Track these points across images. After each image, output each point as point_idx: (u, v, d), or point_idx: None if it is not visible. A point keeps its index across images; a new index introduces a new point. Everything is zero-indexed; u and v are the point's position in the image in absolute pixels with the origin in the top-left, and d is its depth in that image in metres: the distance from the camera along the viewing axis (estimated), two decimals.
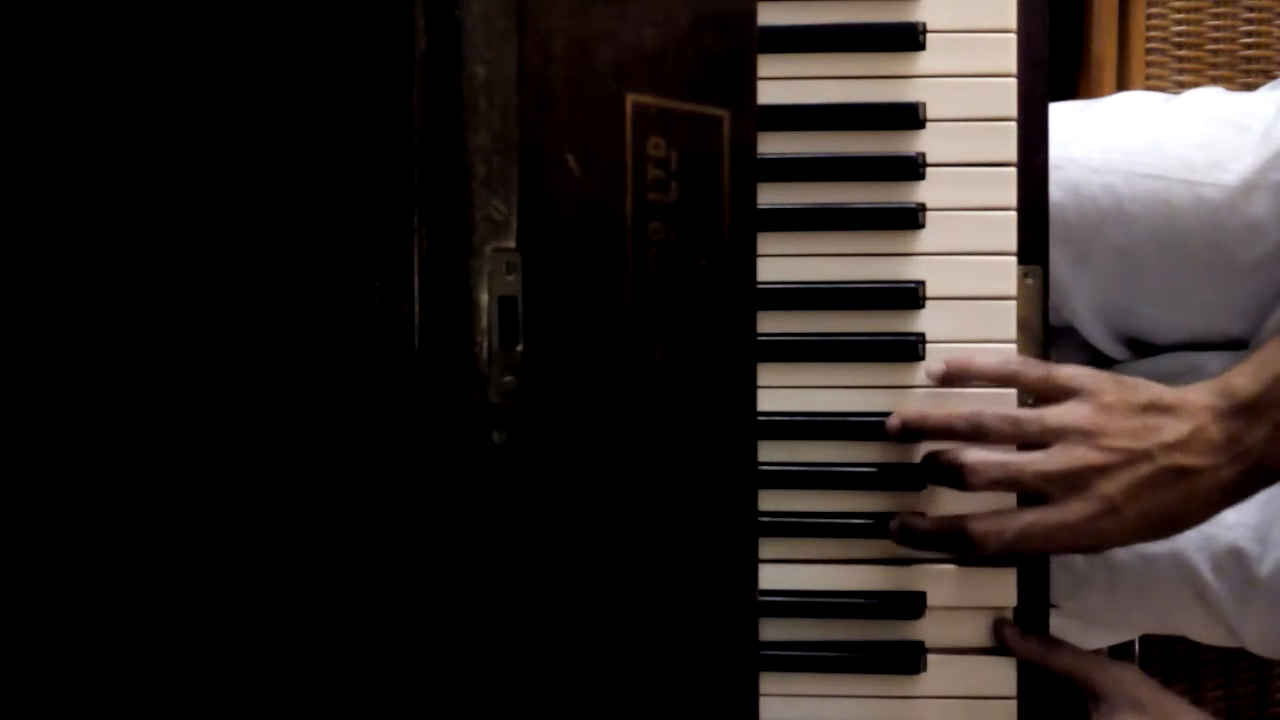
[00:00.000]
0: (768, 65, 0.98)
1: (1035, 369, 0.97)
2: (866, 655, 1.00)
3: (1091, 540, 0.94)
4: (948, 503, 0.99)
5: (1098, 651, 1.19)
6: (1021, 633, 0.99)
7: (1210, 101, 1.16)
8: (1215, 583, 1.08)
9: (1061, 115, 1.14)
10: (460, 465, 0.82)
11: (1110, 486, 0.93)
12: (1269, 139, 1.10)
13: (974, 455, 0.96)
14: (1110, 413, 0.94)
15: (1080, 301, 1.14)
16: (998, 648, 0.99)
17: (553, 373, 0.85)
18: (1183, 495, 0.93)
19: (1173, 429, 0.93)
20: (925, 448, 0.99)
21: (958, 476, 0.96)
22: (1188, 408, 0.94)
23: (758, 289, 0.97)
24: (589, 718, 0.88)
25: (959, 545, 0.96)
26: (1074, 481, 0.93)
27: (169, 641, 0.83)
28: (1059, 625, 1.06)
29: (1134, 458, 0.93)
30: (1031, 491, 0.95)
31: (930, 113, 0.99)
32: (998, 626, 0.99)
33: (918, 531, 0.98)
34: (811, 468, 1.00)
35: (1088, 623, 1.13)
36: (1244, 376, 0.94)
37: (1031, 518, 0.94)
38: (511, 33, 0.83)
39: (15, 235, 0.83)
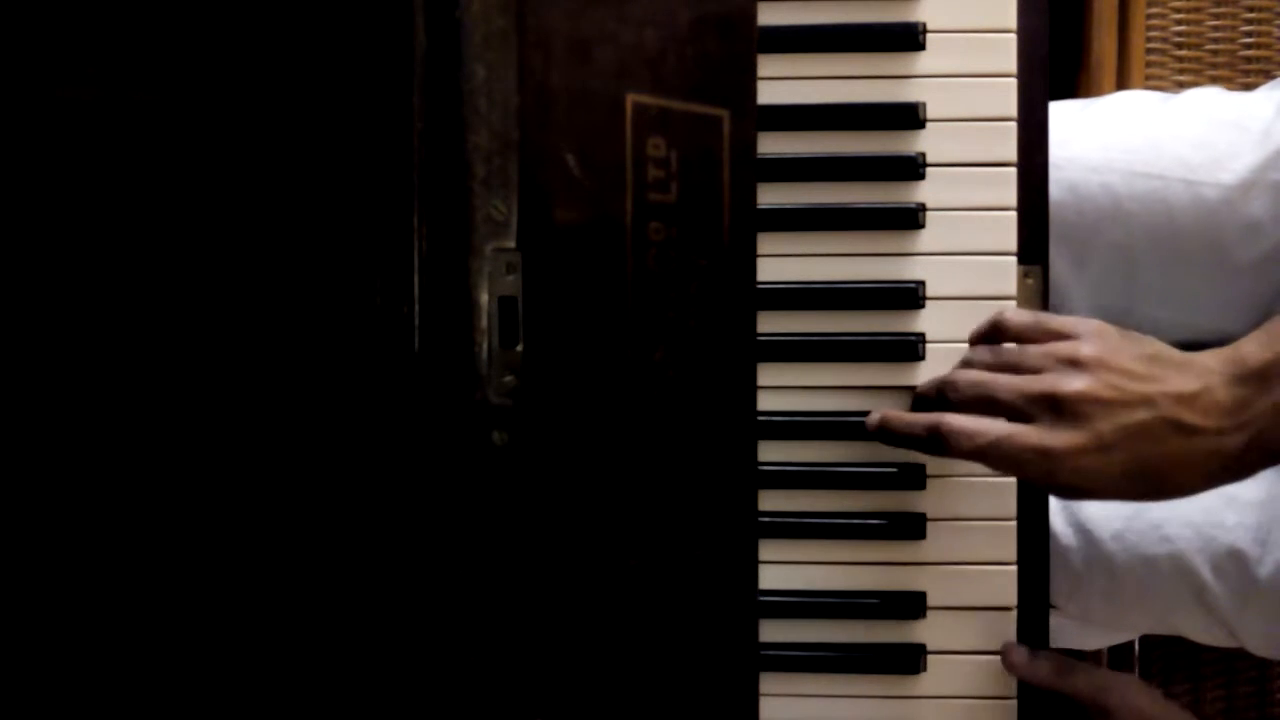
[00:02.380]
0: (768, 65, 0.98)
1: (1022, 316, 0.95)
2: (867, 655, 1.00)
3: (1068, 478, 0.90)
4: (947, 500, 0.99)
5: (1097, 652, 1.20)
6: (1029, 655, 0.98)
7: (1209, 101, 1.16)
8: (1215, 584, 1.08)
9: (1060, 114, 1.14)
10: (461, 466, 0.82)
11: (1106, 424, 0.89)
12: (1268, 139, 1.10)
13: (959, 373, 0.94)
14: (1117, 353, 0.91)
15: (1079, 301, 1.14)
16: (998, 649, 0.99)
17: (553, 373, 0.85)
18: (1179, 453, 0.90)
19: (1178, 382, 0.90)
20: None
21: (942, 398, 0.94)
22: (1196, 367, 0.91)
23: (758, 289, 0.97)
24: (589, 718, 0.88)
25: (932, 442, 0.93)
26: (1065, 408, 0.89)
27: (169, 641, 0.83)
28: (1058, 626, 1.06)
29: (1137, 400, 0.89)
30: (1008, 408, 0.91)
31: (930, 113, 0.99)
32: (1004, 652, 0.98)
33: (894, 427, 0.96)
34: (811, 468, 1.00)
35: (1087, 623, 1.13)
36: (1254, 344, 0.91)
37: (1009, 430, 0.91)
38: (511, 33, 0.83)
39: (16, 235, 0.83)
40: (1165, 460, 0.90)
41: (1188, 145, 1.11)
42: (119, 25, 0.83)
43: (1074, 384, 0.90)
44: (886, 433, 0.97)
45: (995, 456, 0.91)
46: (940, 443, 0.93)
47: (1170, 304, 1.14)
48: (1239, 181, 1.10)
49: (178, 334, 0.83)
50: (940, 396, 0.95)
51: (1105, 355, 0.90)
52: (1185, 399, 0.89)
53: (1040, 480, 0.92)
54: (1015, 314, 0.95)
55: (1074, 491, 0.92)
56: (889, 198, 0.99)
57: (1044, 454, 0.89)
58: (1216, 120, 1.13)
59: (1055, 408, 0.90)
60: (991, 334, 0.96)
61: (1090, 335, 0.92)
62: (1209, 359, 0.91)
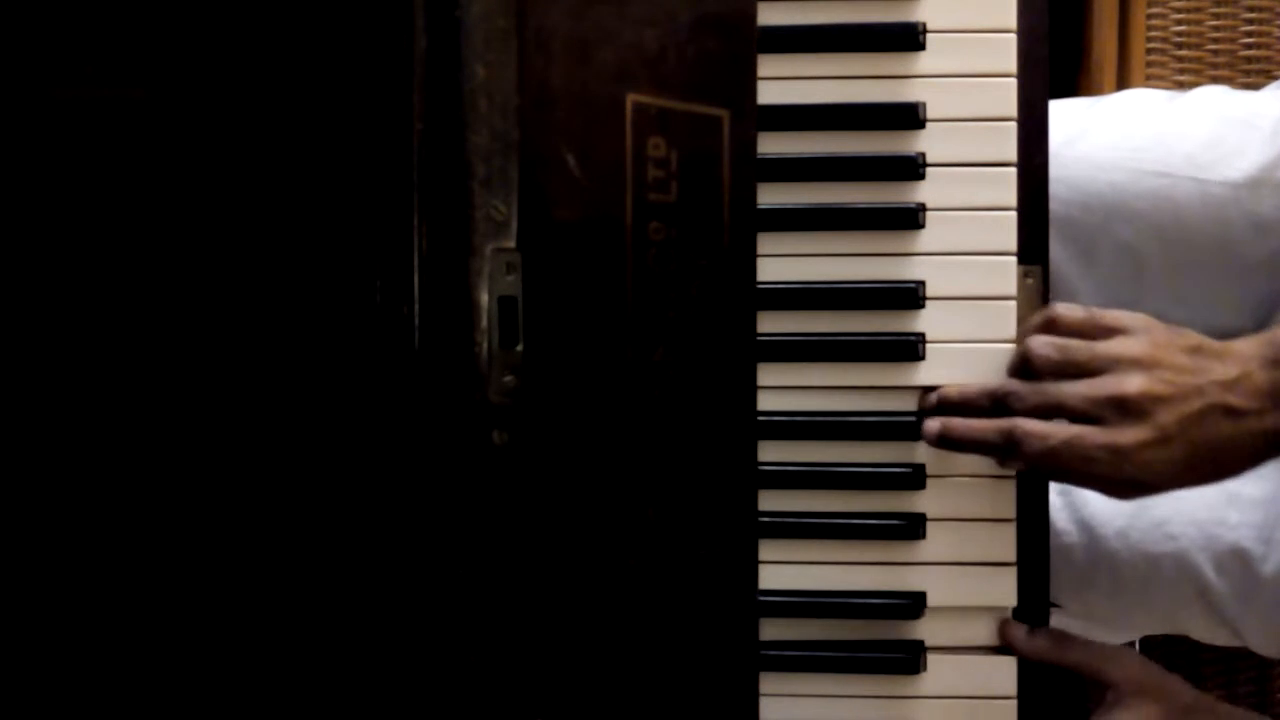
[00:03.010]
0: (768, 65, 0.98)
1: (1075, 312, 0.97)
2: (866, 655, 1.00)
3: (1134, 472, 0.93)
4: (947, 500, 0.99)
5: None
6: (1028, 631, 0.99)
7: (1217, 99, 1.16)
8: (1218, 582, 1.08)
9: (1067, 112, 1.14)
10: (460, 465, 0.82)
11: (1166, 416, 0.92)
12: (1277, 137, 1.10)
13: (1018, 384, 0.96)
14: (1163, 348, 0.94)
15: (1087, 299, 1.14)
16: (998, 647, 0.99)
17: (553, 373, 0.85)
18: (1229, 435, 0.93)
19: (1221, 370, 0.93)
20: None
21: (1001, 403, 0.96)
22: (1235, 353, 0.94)
23: (758, 289, 0.97)
24: (589, 718, 0.88)
25: (1005, 446, 0.96)
26: (1129, 408, 0.93)
27: (169, 640, 0.84)
28: (1060, 625, 1.05)
29: (1188, 392, 0.93)
30: (1074, 412, 0.94)
31: (930, 113, 0.99)
32: (1003, 627, 0.99)
33: (960, 434, 0.97)
34: (811, 468, 1.00)
35: (1090, 622, 1.13)
36: None
37: (1080, 431, 0.93)
38: (511, 33, 0.83)
39: (15, 235, 0.84)
40: (1218, 443, 0.93)
41: (1196, 143, 1.11)
42: (118, 25, 0.84)
43: (1135, 383, 0.93)
44: (949, 440, 0.98)
45: (1067, 456, 0.94)
46: (1014, 446, 0.95)
47: (1178, 302, 1.13)
48: (1247, 179, 1.10)
49: (178, 333, 0.83)
50: (998, 404, 0.97)
51: (1157, 351, 0.94)
52: (1229, 384, 0.93)
53: (1107, 476, 0.95)
54: (1068, 309, 0.97)
55: (1137, 486, 0.95)
56: (889, 198, 0.99)
57: (1113, 450, 0.93)
58: (1225, 118, 1.13)
59: (1120, 407, 0.93)
60: (1046, 328, 0.97)
61: (1141, 330, 0.95)
62: (1245, 345, 0.94)
